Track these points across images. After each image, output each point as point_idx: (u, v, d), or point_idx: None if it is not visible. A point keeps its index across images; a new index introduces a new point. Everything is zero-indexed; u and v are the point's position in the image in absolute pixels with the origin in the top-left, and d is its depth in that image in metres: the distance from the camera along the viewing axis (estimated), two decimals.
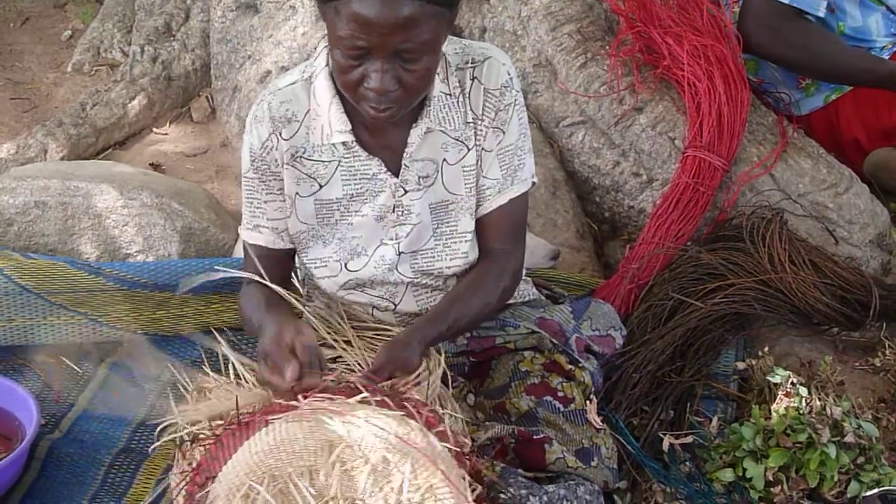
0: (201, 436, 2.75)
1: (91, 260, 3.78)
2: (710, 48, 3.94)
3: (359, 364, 2.93)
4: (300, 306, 3.01)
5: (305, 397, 2.58)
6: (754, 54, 4.14)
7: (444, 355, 2.97)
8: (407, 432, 2.53)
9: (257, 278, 2.94)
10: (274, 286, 2.95)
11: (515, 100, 2.95)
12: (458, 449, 2.62)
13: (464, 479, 2.57)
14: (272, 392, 2.73)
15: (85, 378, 3.56)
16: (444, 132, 2.91)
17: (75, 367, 3.58)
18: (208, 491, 2.53)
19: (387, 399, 2.61)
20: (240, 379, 2.98)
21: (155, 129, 4.85)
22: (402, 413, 2.58)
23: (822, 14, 3.95)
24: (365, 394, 2.58)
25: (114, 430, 3.37)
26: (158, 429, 2.99)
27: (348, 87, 2.65)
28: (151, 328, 3.60)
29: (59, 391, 3.50)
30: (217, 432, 2.65)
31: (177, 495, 2.69)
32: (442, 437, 2.60)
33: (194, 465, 2.66)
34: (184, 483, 2.65)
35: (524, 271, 3.24)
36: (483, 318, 3.10)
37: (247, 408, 2.74)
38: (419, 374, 2.84)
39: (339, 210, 2.96)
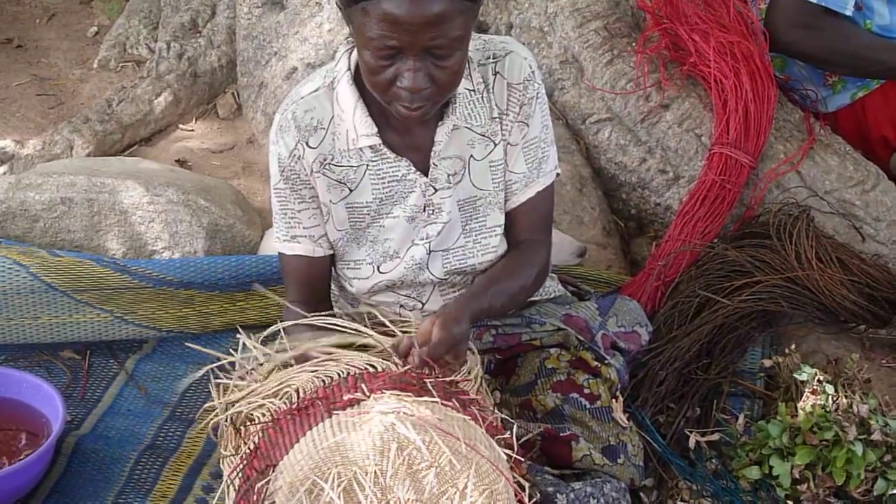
0: (254, 417, 2.76)
1: (117, 256, 3.78)
2: (736, 45, 3.93)
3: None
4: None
5: (371, 391, 2.58)
6: (783, 53, 4.12)
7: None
8: (472, 436, 2.54)
9: (298, 310, 2.92)
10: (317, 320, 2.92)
11: (538, 93, 2.95)
12: (518, 456, 2.64)
13: (523, 486, 2.60)
14: None
15: (110, 375, 3.57)
16: (469, 129, 2.90)
17: (101, 364, 3.59)
18: (269, 479, 2.53)
19: (455, 402, 2.60)
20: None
21: (181, 126, 4.85)
22: (468, 417, 2.58)
23: (849, 13, 3.93)
24: (435, 398, 2.57)
25: (139, 426, 3.38)
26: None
27: (380, 88, 2.64)
28: (177, 326, 3.60)
29: (84, 388, 3.51)
30: (276, 416, 2.64)
31: (234, 478, 2.68)
32: (501, 442, 2.63)
33: (249, 447, 2.66)
34: (241, 466, 2.65)
35: (550, 267, 3.23)
36: (517, 303, 3.12)
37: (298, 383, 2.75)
38: (470, 370, 2.86)
39: (370, 214, 2.96)
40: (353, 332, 2.88)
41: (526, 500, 2.58)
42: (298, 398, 2.64)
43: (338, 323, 2.89)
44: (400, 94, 2.62)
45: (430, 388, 2.60)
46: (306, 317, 2.88)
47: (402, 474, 2.46)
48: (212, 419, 2.94)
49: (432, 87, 2.62)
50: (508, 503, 2.54)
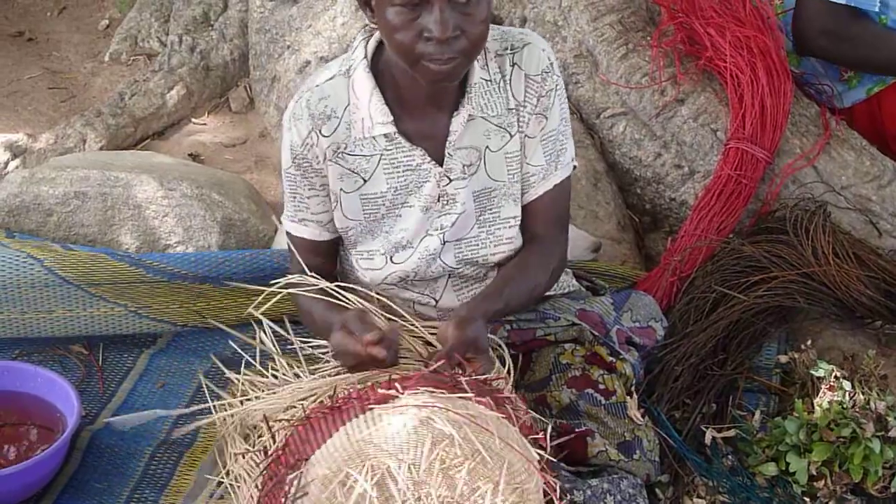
0: (277, 420, 2.76)
1: (131, 251, 3.78)
2: (752, 39, 3.92)
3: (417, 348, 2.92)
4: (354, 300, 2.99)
5: (405, 388, 2.57)
6: (815, 57, 4.12)
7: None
8: (506, 434, 2.54)
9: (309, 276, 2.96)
10: (324, 283, 2.96)
11: (557, 85, 2.95)
12: (550, 457, 2.64)
13: (554, 486, 2.60)
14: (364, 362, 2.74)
15: (125, 369, 3.56)
16: (486, 119, 2.90)
17: (115, 359, 3.59)
18: (301, 473, 2.52)
19: (488, 400, 2.60)
20: (276, 373, 3.01)
21: (193, 120, 4.85)
22: (502, 415, 2.58)
23: (877, 9, 3.93)
24: (469, 393, 2.56)
25: (154, 421, 3.36)
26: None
27: (405, 48, 2.62)
28: (191, 320, 3.59)
29: (102, 382, 3.50)
30: (308, 414, 2.64)
31: (256, 476, 2.68)
32: (535, 441, 2.62)
33: (278, 444, 2.66)
34: (267, 462, 2.65)
35: (567, 261, 3.23)
36: (534, 300, 3.11)
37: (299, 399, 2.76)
38: (501, 371, 2.87)
39: (385, 204, 2.95)
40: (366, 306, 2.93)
41: (556, 500, 2.58)
42: (332, 399, 2.64)
43: (350, 296, 2.94)
44: (428, 49, 2.60)
45: (465, 385, 2.59)
46: (320, 284, 2.96)
47: (436, 469, 2.46)
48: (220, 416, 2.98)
49: (461, 39, 2.60)
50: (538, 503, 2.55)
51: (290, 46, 4.63)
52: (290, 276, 3.02)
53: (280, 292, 3.01)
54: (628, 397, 3.07)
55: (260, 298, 3.03)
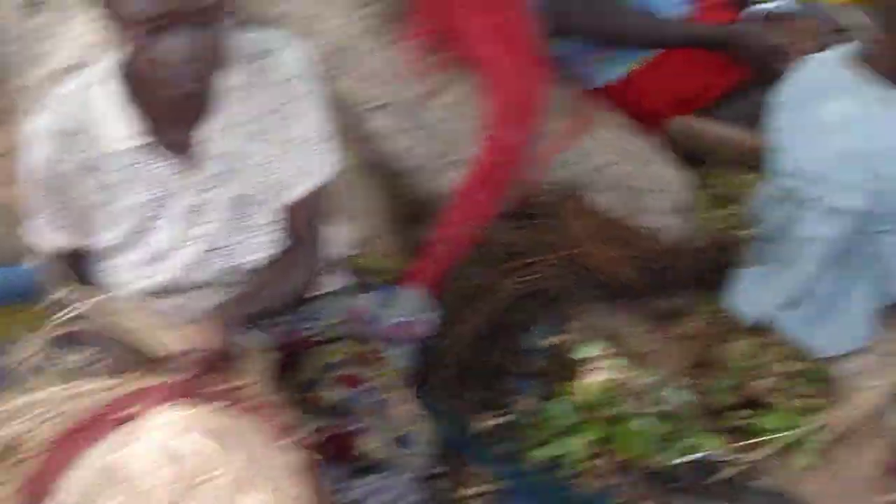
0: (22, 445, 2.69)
1: None
2: (507, 26, 3.94)
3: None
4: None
5: (149, 405, 2.52)
6: (567, 36, 4.17)
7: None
8: (260, 441, 2.52)
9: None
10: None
11: (310, 90, 2.92)
12: (310, 457, 2.62)
13: (319, 488, 2.57)
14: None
15: None
16: (239, 126, 2.86)
17: None
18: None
19: (240, 407, 2.58)
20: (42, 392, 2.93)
21: None
22: (255, 420, 2.56)
23: None
24: (219, 402, 2.55)
25: None
26: None
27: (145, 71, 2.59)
28: None
29: None
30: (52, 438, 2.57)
31: None
32: (297, 444, 2.61)
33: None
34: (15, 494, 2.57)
35: (330, 260, 3.20)
36: (295, 301, 3.08)
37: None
38: (255, 372, 2.82)
39: (138, 217, 2.89)
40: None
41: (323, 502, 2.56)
42: (71, 419, 2.57)
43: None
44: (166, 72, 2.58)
45: (212, 395, 2.56)
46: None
47: (182, 489, 2.41)
48: None
49: (197, 61, 2.57)
50: None
51: (39, 56, 4.52)
52: (58, 290, 2.94)
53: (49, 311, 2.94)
54: (398, 391, 3.06)
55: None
